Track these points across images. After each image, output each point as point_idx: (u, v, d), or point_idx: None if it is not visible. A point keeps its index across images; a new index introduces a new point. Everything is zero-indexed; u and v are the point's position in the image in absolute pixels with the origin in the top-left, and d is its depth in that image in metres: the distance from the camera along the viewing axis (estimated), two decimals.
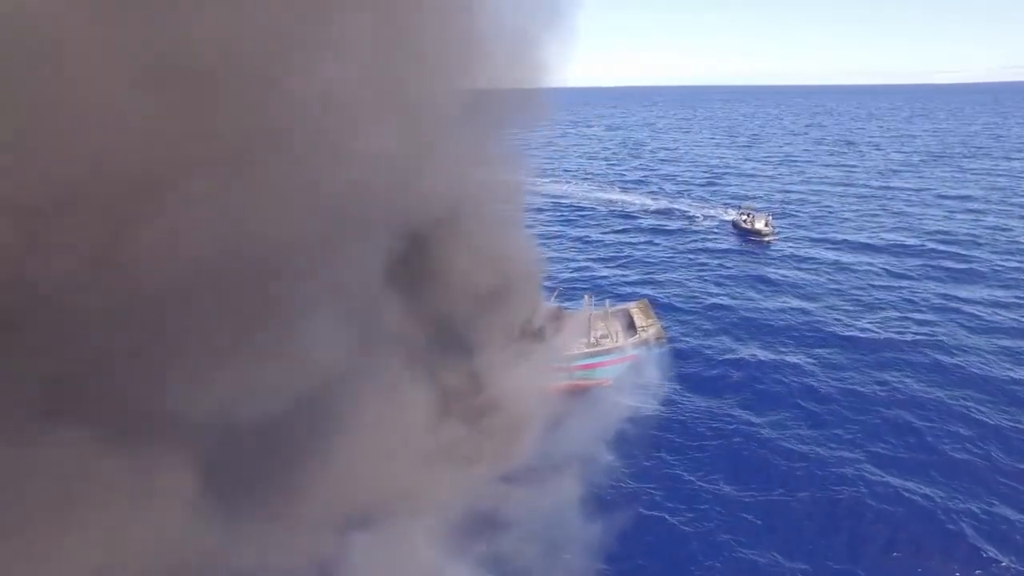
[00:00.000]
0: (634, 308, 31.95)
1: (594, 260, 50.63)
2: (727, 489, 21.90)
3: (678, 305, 39.52)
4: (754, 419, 26.23)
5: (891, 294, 39.81)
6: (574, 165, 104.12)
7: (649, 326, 30.05)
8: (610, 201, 73.08)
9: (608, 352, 28.64)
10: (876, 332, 34.08)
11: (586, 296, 30.58)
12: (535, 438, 21.66)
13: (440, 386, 20.46)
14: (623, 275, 46.14)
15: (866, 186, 77.60)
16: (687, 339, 34.40)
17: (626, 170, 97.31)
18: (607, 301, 31.69)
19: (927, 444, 24.04)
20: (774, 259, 48.99)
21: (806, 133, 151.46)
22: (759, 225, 55.98)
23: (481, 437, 20.17)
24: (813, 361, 31.08)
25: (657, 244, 54.62)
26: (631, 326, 30.63)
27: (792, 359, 31.33)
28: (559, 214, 67.46)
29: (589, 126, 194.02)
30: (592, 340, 28.95)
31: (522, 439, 20.91)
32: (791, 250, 50.68)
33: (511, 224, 20.57)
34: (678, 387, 29.01)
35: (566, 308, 31.54)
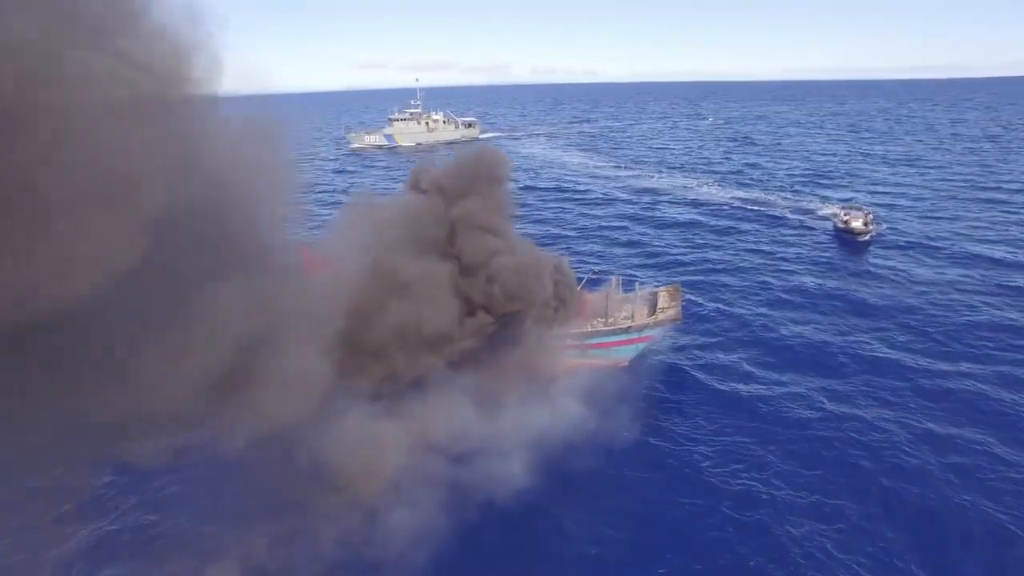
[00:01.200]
0: (662, 292, 30.84)
1: (658, 252, 48.74)
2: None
3: (722, 307, 37.25)
4: (734, 451, 23.15)
5: (985, 319, 34.07)
6: (672, 158, 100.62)
7: (668, 309, 28.91)
8: (701, 193, 69.94)
9: (621, 332, 27.96)
10: (943, 367, 29.01)
11: (613, 278, 30.20)
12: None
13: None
14: (685, 268, 44.02)
15: (1001, 188, 68.65)
16: (711, 344, 32.05)
17: (729, 163, 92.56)
18: (636, 284, 30.80)
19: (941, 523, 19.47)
20: (860, 265, 44.48)
21: (944, 129, 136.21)
22: (856, 224, 51.21)
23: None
24: (845, 392, 27.00)
25: (732, 239, 51.61)
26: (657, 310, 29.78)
27: (819, 384, 27.68)
28: (636, 205, 65.56)
29: (703, 118, 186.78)
30: (611, 320, 28.29)
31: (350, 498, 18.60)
32: (883, 259, 45.60)
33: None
34: (666, 398, 27.11)
35: (591, 290, 30.95)
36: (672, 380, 28.53)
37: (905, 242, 49.26)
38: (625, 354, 28.47)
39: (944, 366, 28.97)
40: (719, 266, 44.74)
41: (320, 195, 72.76)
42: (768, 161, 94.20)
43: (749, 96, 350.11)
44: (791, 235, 52.92)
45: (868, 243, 49.40)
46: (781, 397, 26.62)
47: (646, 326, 28.27)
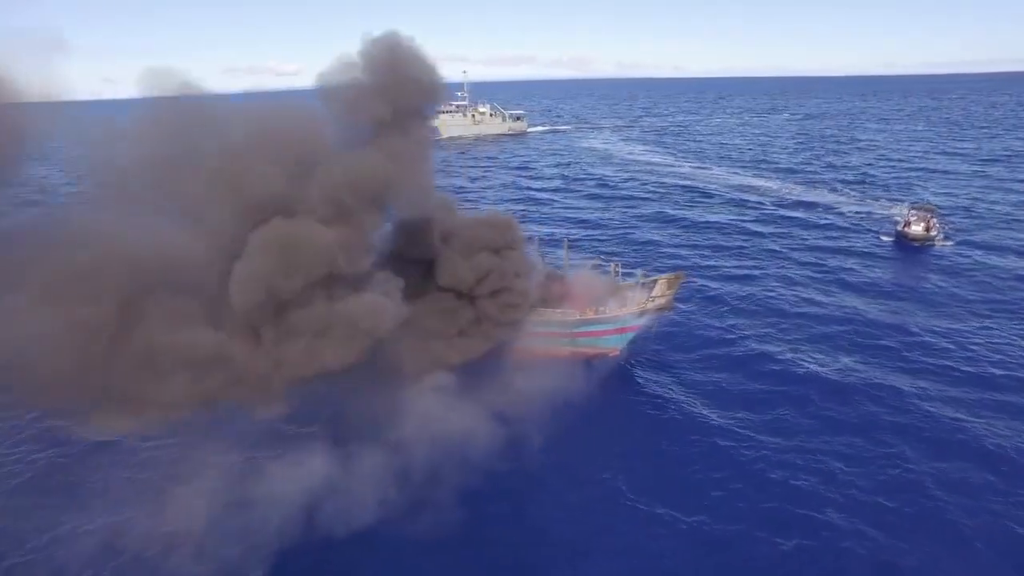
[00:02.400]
0: (661, 280, 28.86)
1: (681, 252, 45.34)
2: None
3: (729, 314, 33.91)
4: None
5: None
6: (735, 153, 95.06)
7: (660, 298, 27.22)
8: (754, 190, 65.36)
9: (608, 321, 26.83)
10: (954, 394, 24.87)
11: (612, 265, 29.21)
12: None
13: None
14: (704, 271, 40.48)
15: None
16: (694, 360, 28.91)
17: (793, 159, 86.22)
18: (639, 271, 29.02)
19: None
20: (907, 276, 39.26)
21: None
22: (916, 229, 46.07)
23: None
24: (833, 425, 23.13)
25: (771, 241, 47.29)
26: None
27: (804, 415, 23.87)
28: (678, 201, 62.04)
29: (780, 113, 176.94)
30: (601, 309, 27.11)
31: None
32: (937, 271, 39.85)
33: None
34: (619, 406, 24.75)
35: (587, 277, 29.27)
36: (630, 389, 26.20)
37: (973, 252, 43.66)
38: (614, 343, 27.50)
39: (957, 393, 24.93)
40: (744, 270, 40.94)
41: None
42: (837, 158, 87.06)
43: (842, 91, 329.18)
44: (842, 238, 48.16)
45: (929, 250, 44.35)
46: (758, 424, 23.48)
47: (633, 315, 26.91)
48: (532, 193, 68.10)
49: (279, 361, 16.58)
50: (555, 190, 69.62)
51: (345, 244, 16.92)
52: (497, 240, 23.45)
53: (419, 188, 19.71)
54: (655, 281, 28.99)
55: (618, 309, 27.14)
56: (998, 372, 26.60)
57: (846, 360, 27.91)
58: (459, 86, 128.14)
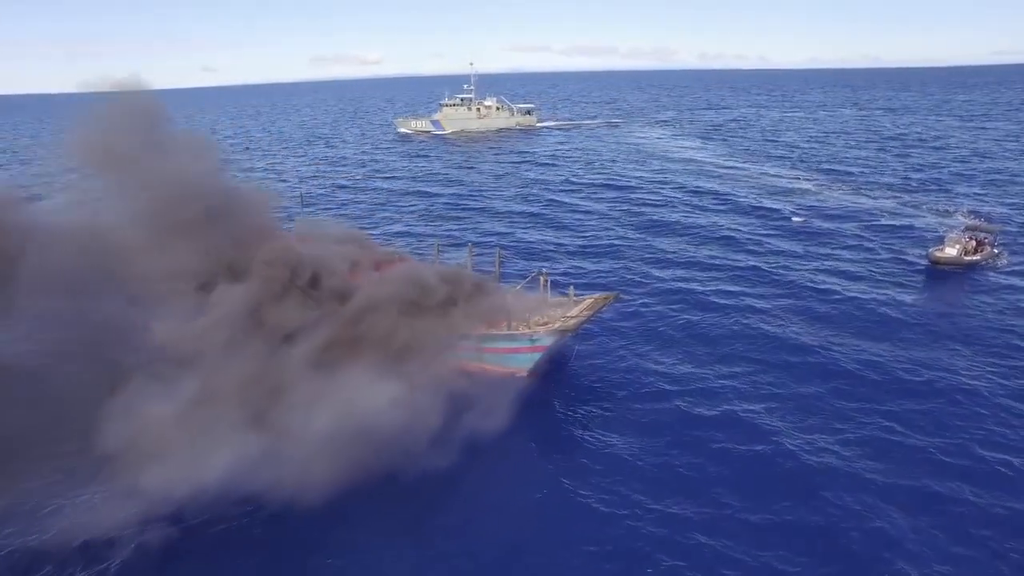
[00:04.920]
0: (588, 299, 26.78)
1: (651, 273, 40.17)
2: None
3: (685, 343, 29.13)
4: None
5: None
6: (784, 151, 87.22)
7: (571, 319, 25.15)
8: (789, 192, 59.59)
9: (511, 338, 24.99)
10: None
11: (541, 277, 27.08)
12: None
13: None
14: (678, 290, 35.57)
15: None
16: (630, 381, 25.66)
17: (848, 160, 78.10)
18: (571, 287, 27.23)
19: None
20: (916, 324, 31.60)
21: None
22: (948, 252, 39.28)
23: None
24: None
25: (782, 256, 41.59)
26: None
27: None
28: (688, 207, 56.53)
29: (856, 107, 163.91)
30: (514, 325, 25.18)
31: None
32: (957, 319, 32.22)
33: None
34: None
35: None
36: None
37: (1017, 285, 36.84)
38: (521, 363, 25.54)
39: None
40: (707, 304, 34.59)
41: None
42: (901, 161, 77.57)
43: (941, 83, 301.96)
44: (857, 260, 41.54)
45: (964, 277, 37.87)
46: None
47: (545, 334, 24.82)
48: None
49: None
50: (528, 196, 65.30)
51: None
52: None
53: None
54: (583, 299, 26.73)
55: (529, 325, 24.93)
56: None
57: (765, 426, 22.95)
58: (466, 78, 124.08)
